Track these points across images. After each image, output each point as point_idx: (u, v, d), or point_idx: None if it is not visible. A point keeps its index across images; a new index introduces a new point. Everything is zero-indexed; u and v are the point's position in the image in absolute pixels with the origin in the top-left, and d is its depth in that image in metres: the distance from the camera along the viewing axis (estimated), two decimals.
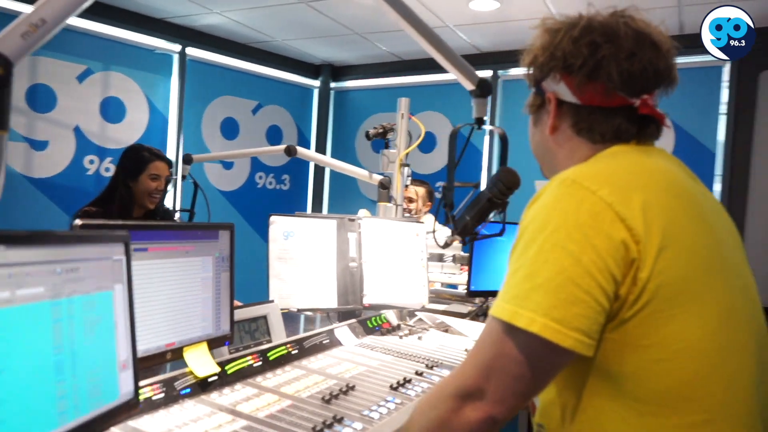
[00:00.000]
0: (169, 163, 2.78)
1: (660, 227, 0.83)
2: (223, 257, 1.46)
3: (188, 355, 1.33)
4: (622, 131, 0.97)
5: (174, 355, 1.30)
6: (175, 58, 4.69)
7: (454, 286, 3.02)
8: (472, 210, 1.51)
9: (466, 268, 2.86)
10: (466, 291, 2.48)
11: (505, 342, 0.82)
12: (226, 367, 1.41)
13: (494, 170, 4.73)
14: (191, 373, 1.31)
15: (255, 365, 1.48)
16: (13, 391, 0.72)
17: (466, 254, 2.66)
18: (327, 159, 2.71)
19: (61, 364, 0.81)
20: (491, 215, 1.52)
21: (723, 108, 4.05)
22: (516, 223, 2.43)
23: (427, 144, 5.03)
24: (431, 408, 0.88)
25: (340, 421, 1.21)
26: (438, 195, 4.89)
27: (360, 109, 5.57)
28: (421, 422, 0.89)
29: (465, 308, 2.60)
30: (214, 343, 1.41)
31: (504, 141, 1.64)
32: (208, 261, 1.41)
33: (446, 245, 1.70)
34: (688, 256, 0.85)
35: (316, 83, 5.71)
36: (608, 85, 0.95)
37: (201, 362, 1.35)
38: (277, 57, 5.31)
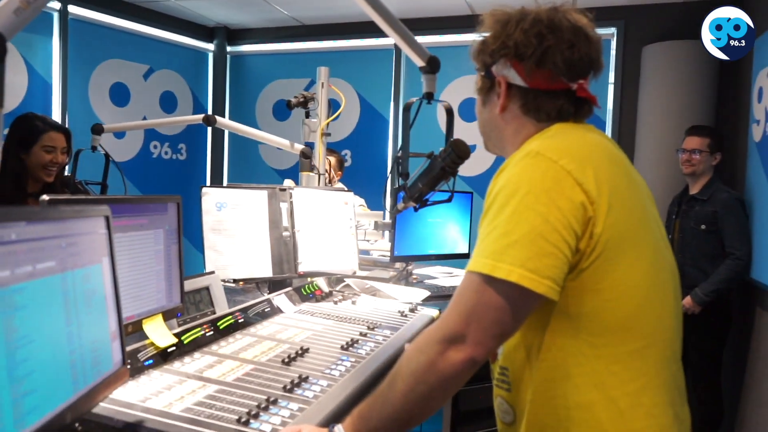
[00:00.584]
0: (65, 132, 2.68)
1: (607, 191, 1.02)
2: (172, 230, 1.50)
3: (147, 327, 1.38)
4: (563, 111, 1.16)
5: (134, 328, 1.34)
6: (56, 17, 4.41)
7: (366, 252, 3.17)
8: (425, 178, 1.65)
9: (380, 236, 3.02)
10: (389, 257, 2.63)
11: (485, 292, 0.97)
12: (183, 338, 1.47)
13: (400, 138, 4.91)
14: (152, 344, 1.37)
15: (208, 334, 1.55)
16: (40, 360, 0.77)
17: (387, 222, 2.81)
18: (248, 129, 2.74)
19: (71, 335, 0.86)
20: (441, 183, 1.66)
21: (611, 78, 4.45)
22: (464, 192, 2.61)
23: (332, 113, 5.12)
24: (419, 353, 1.02)
25: (306, 379, 1.33)
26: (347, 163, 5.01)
27: (259, 76, 5.52)
28: (411, 366, 1.02)
29: (387, 273, 2.76)
30: (167, 315, 1.46)
31: (450, 114, 1.78)
32: (159, 234, 1.45)
33: (397, 211, 1.84)
34: (627, 213, 1.05)
35: (211, 47, 5.58)
36: (553, 71, 1.12)
37: (159, 334, 1.40)
38: (168, 18, 5.13)
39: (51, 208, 0.83)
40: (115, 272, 1.04)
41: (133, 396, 1.17)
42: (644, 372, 1.04)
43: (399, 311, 2.04)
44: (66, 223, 0.88)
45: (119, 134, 4.78)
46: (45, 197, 1.08)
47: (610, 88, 4.47)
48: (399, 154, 1.70)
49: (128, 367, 1.22)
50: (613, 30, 4.47)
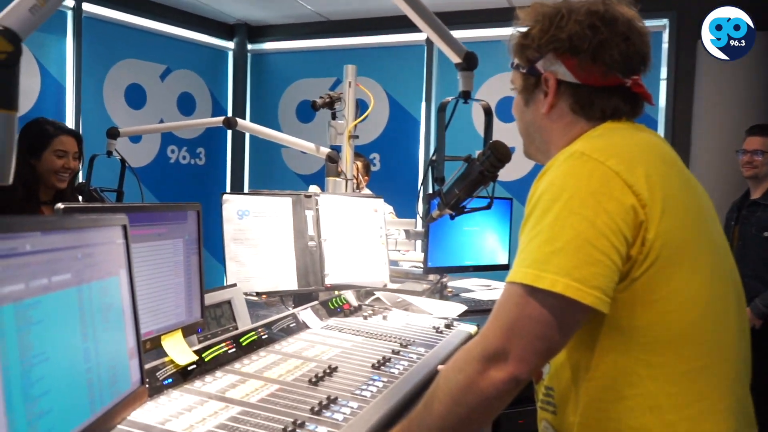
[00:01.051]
0: (77, 137, 2.73)
1: (660, 193, 1.01)
2: (192, 239, 1.51)
3: (166, 343, 1.38)
4: (618, 109, 1.15)
5: (153, 345, 1.35)
6: (69, 15, 4.52)
7: (394, 263, 3.16)
8: (462, 183, 1.63)
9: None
10: (422, 268, 2.62)
11: (528, 304, 0.96)
12: (203, 355, 1.47)
13: (432, 140, 4.90)
14: (171, 362, 1.37)
15: (230, 351, 1.55)
16: (56, 379, 0.78)
17: (419, 230, 2.80)
18: (271, 132, 2.76)
19: (88, 351, 0.87)
20: (479, 189, 1.65)
21: (663, 74, 4.39)
22: (503, 198, 2.58)
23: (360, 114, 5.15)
24: (458, 371, 1.01)
25: (335, 401, 1.32)
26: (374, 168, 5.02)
27: (281, 75, 5.57)
28: (449, 386, 1.01)
29: (420, 286, 2.74)
30: (187, 331, 1.48)
31: (488, 114, 1.77)
32: (178, 244, 1.47)
33: (432, 219, 1.83)
34: (683, 218, 1.04)
35: (231, 45, 5.66)
36: (608, 66, 1.12)
37: (179, 351, 1.41)
38: (186, 15, 5.21)
39: (66, 217, 0.84)
40: (133, 285, 1.05)
41: (151, 417, 1.18)
42: (705, 395, 1.01)
43: (434, 327, 2.02)
44: (82, 232, 0.88)
45: (135, 138, 4.87)
46: (60, 205, 1.09)
47: (662, 85, 4.41)
48: (433, 158, 1.69)
49: (147, 386, 1.23)
50: (664, 21, 4.41)
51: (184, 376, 1.38)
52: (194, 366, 1.42)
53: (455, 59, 1.75)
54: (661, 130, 4.39)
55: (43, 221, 0.77)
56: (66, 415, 0.80)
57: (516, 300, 0.97)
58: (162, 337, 1.38)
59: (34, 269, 0.75)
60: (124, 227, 1.04)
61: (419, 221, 2.87)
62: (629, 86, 1.13)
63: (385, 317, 2.12)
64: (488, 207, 1.73)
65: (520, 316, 0.97)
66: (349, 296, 2.24)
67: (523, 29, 1.19)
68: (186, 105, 5.26)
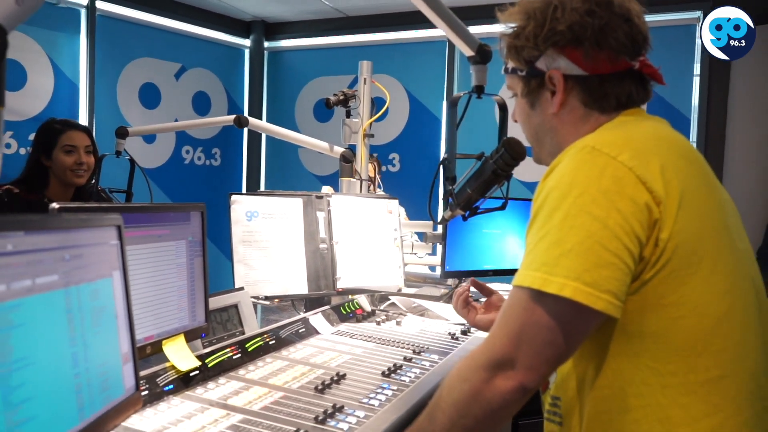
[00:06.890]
0: (86, 132, 2.76)
1: (676, 189, 0.98)
2: (195, 241, 1.51)
3: (168, 348, 1.38)
4: (632, 95, 1.13)
5: (153, 349, 1.35)
6: (83, 14, 4.57)
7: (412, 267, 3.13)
8: (475, 182, 1.62)
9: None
10: (440, 272, 2.60)
11: (535, 309, 0.94)
12: (207, 361, 1.47)
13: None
14: (173, 367, 1.37)
15: (234, 357, 1.55)
16: (40, 385, 0.77)
17: (437, 233, 2.78)
18: (282, 130, 2.76)
19: (76, 356, 0.86)
20: (493, 188, 1.63)
21: (697, 69, 4.31)
22: (518, 199, 2.54)
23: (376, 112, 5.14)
24: (462, 381, 0.99)
25: (340, 409, 1.31)
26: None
27: (299, 73, 5.59)
28: (452, 396, 0.99)
29: (438, 291, 2.72)
30: (190, 335, 1.47)
31: (503, 110, 1.75)
32: (181, 245, 1.47)
33: (444, 221, 1.82)
34: (701, 217, 1.01)
35: (247, 43, 5.69)
36: (615, 51, 1.10)
37: (181, 356, 1.41)
38: (201, 12, 5.25)
39: (52, 217, 0.83)
40: (128, 287, 1.04)
41: (149, 425, 1.18)
42: (721, 408, 0.98)
43: (449, 333, 2.01)
44: (71, 233, 0.88)
45: (149, 139, 4.91)
46: (54, 205, 1.09)
47: (695, 81, 4.33)
48: (445, 156, 1.68)
49: (142, 392, 1.23)
50: (698, 14, 4.32)
51: (185, 382, 1.38)
52: (197, 372, 1.42)
53: (468, 52, 1.73)
54: (694, 129, 4.31)
55: (26, 221, 0.77)
56: (52, 422, 0.79)
57: (523, 305, 0.96)
58: (163, 341, 1.38)
59: (16, 270, 0.74)
60: (119, 228, 1.03)
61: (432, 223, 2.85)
62: (638, 68, 1.12)
63: (399, 323, 2.11)
64: (502, 207, 1.71)
65: (527, 322, 0.95)
66: (363, 301, 2.23)
67: (511, 29, 1.17)
68: (201, 104, 5.30)
